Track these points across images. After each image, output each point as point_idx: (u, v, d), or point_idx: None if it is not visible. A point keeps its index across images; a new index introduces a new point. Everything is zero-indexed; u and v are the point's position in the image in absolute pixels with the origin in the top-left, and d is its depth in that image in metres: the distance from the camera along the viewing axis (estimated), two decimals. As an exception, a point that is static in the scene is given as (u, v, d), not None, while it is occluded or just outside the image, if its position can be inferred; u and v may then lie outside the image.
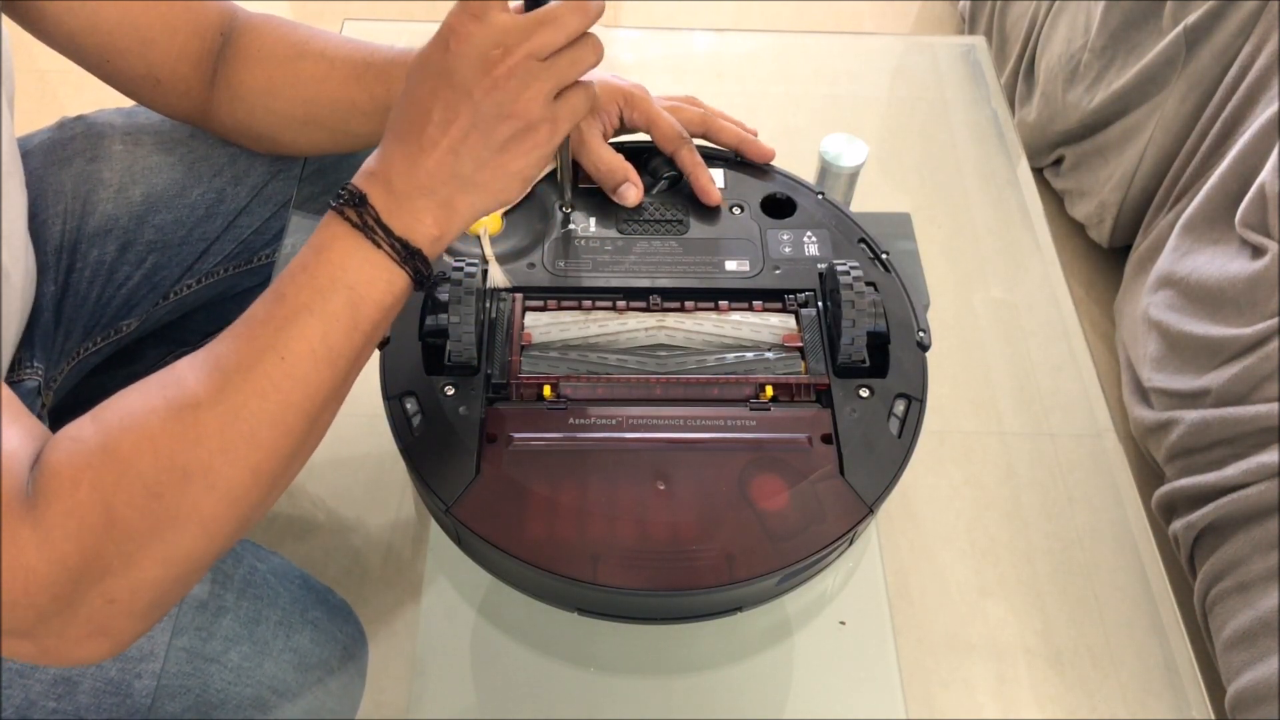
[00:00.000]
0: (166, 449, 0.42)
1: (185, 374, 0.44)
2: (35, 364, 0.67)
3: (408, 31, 0.91)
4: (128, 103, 0.71)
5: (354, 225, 0.45)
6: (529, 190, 0.66)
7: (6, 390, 0.43)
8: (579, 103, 0.48)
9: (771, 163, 0.71)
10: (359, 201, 0.46)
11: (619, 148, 0.71)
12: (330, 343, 0.45)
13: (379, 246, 0.46)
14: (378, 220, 0.46)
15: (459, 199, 0.47)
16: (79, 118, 0.75)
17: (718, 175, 0.70)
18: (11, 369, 0.65)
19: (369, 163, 0.47)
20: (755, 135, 0.71)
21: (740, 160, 0.71)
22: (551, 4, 0.45)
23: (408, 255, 0.46)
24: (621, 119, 0.68)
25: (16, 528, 0.40)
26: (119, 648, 0.44)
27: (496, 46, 0.44)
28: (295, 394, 0.44)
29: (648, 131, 0.68)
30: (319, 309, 0.45)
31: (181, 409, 0.43)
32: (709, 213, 0.68)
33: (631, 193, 0.66)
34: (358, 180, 0.47)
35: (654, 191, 0.69)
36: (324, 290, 0.45)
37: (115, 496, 0.41)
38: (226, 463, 0.43)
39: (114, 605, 0.42)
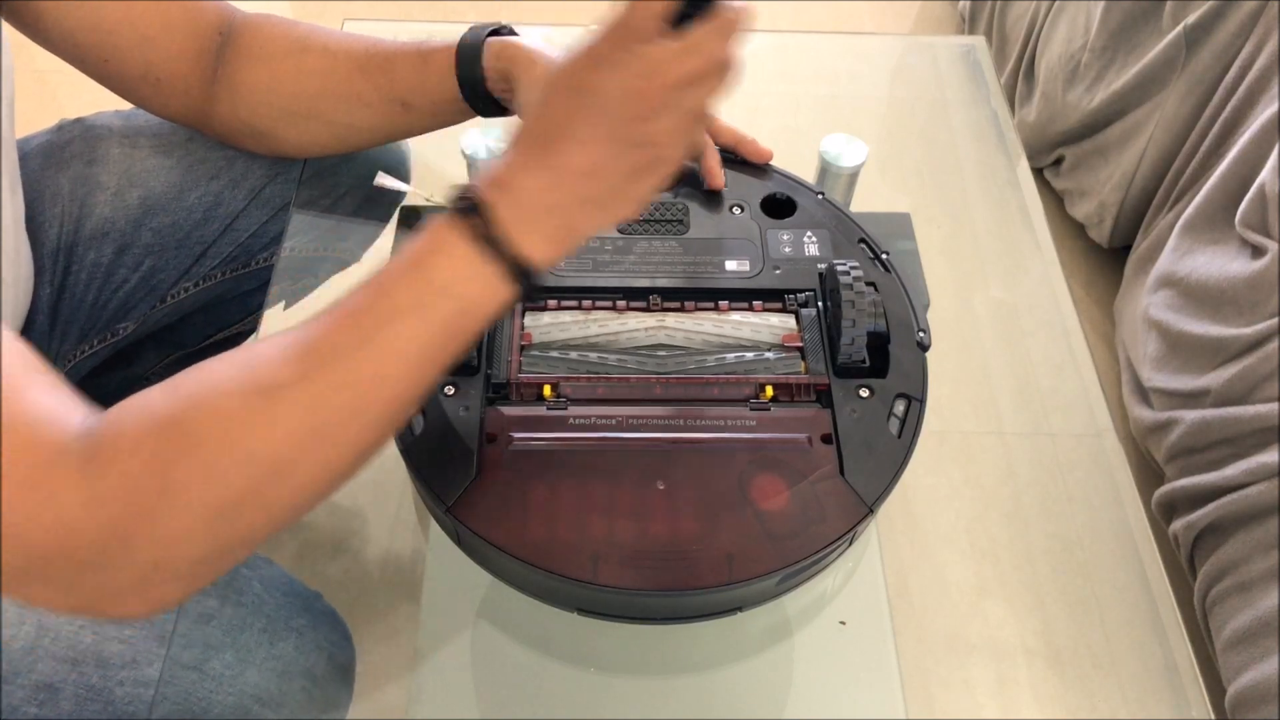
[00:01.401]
0: (237, 430, 0.41)
1: (270, 353, 0.43)
2: None
3: (407, 31, 0.90)
4: (126, 105, 0.71)
5: (473, 235, 0.44)
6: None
7: (37, 357, 0.43)
8: (700, 132, 0.48)
9: (771, 163, 0.71)
10: (481, 211, 0.44)
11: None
12: (426, 347, 0.44)
13: (496, 260, 0.44)
14: (499, 235, 0.44)
15: (581, 220, 0.46)
16: (77, 120, 0.74)
17: (717, 175, 0.70)
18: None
19: (494, 171, 0.45)
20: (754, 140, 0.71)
21: (739, 160, 0.71)
22: (695, 32, 0.43)
23: (521, 273, 0.44)
24: None
25: (61, 478, 0.39)
26: (159, 609, 0.43)
27: (644, 77, 0.43)
28: (381, 392, 0.43)
29: None
30: (423, 312, 0.43)
31: (260, 391, 0.41)
32: (709, 213, 0.68)
33: (718, 177, 0.66)
34: (481, 188, 0.44)
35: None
36: (431, 295, 0.43)
37: (175, 469, 0.40)
38: (297, 452, 0.42)
39: (158, 570, 0.41)
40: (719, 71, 0.45)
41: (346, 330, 0.43)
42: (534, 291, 0.47)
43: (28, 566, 0.40)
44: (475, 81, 0.64)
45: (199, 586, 0.43)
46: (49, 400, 0.41)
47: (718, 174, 0.67)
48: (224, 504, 0.41)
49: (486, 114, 0.67)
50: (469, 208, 0.44)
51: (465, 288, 0.44)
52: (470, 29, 0.65)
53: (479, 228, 0.44)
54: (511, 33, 0.66)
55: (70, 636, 0.54)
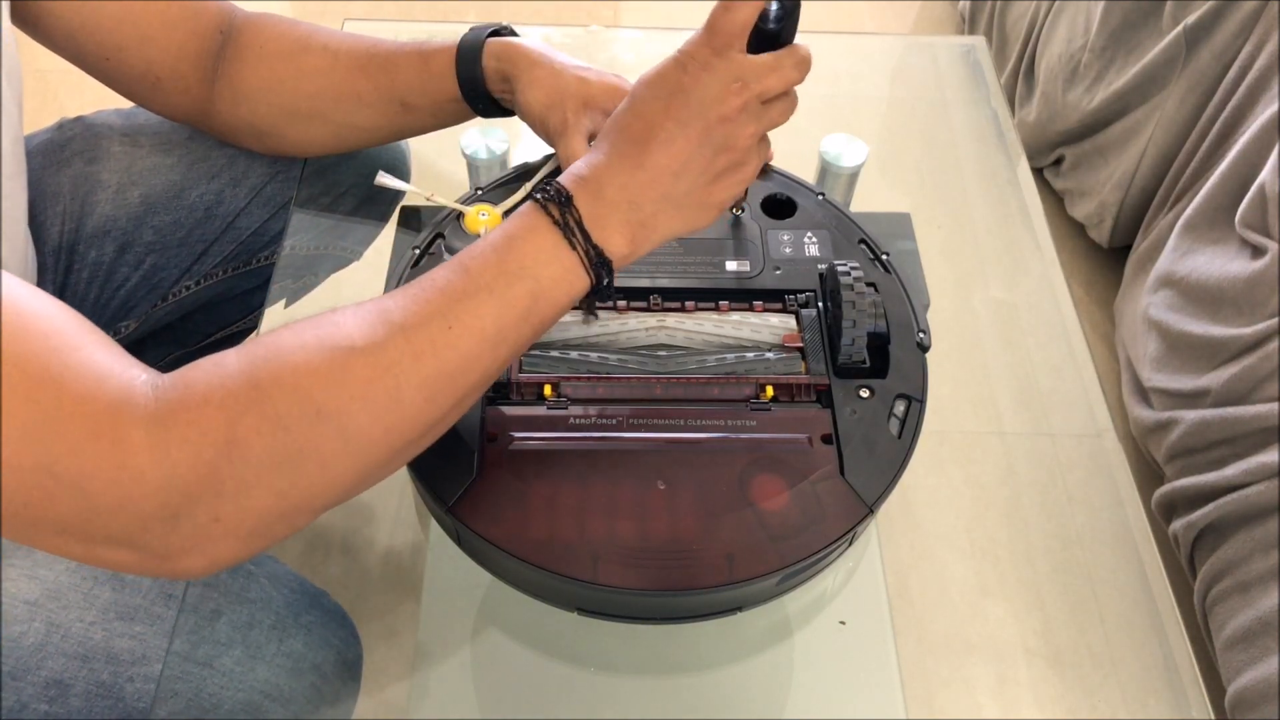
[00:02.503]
0: (307, 384, 0.41)
1: (346, 319, 0.43)
2: None
3: (407, 31, 0.91)
4: (127, 104, 0.71)
5: (554, 222, 0.46)
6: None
7: (88, 322, 0.43)
8: (768, 146, 0.51)
9: (771, 163, 0.71)
10: (565, 200, 0.46)
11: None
12: (500, 326, 0.45)
13: (574, 249, 0.46)
14: (579, 223, 0.46)
15: (660, 220, 0.48)
16: (77, 119, 0.74)
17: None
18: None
19: (579, 166, 0.47)
20: None
21: None
22: (779, 53, 0.48)
23: (598, 263, 0.46)
24: None
25: (127, 433, 0.39)
26: (216, 566, 0.43)
27: (735, 81, 0.46)
28: (451, 365, 0.44)
29: None
30: (500, 291, 0.45)
31: (333, 349, 0.42)
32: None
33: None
34: (566, 180, 0.47)
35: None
36: (509, 275, 0.45)
37: (243, 420, 0.40)
38: (364, 412, 0.42)
39: (219, 524, 0.41)
40: (792, 98, 0.50)
41: (426, 302, 0.44)
42: (608, 287, 0.48)
43: (91, 519, 0.40)
44: (475, 82, 0.64)
45: (256, 548, 0.43)
46: (107, 357, 0.41)
47: None
48: (286, 454, 0.41)
49: (487, 114, 0.67)
50: (555, 197, 0.46)
51: (543, 270, 0.45)
52: (470, 29, 0.65)
53: (561, 216, 0.46)
54: (512, 33, 0.67)
55: (81, 633, 0.54)
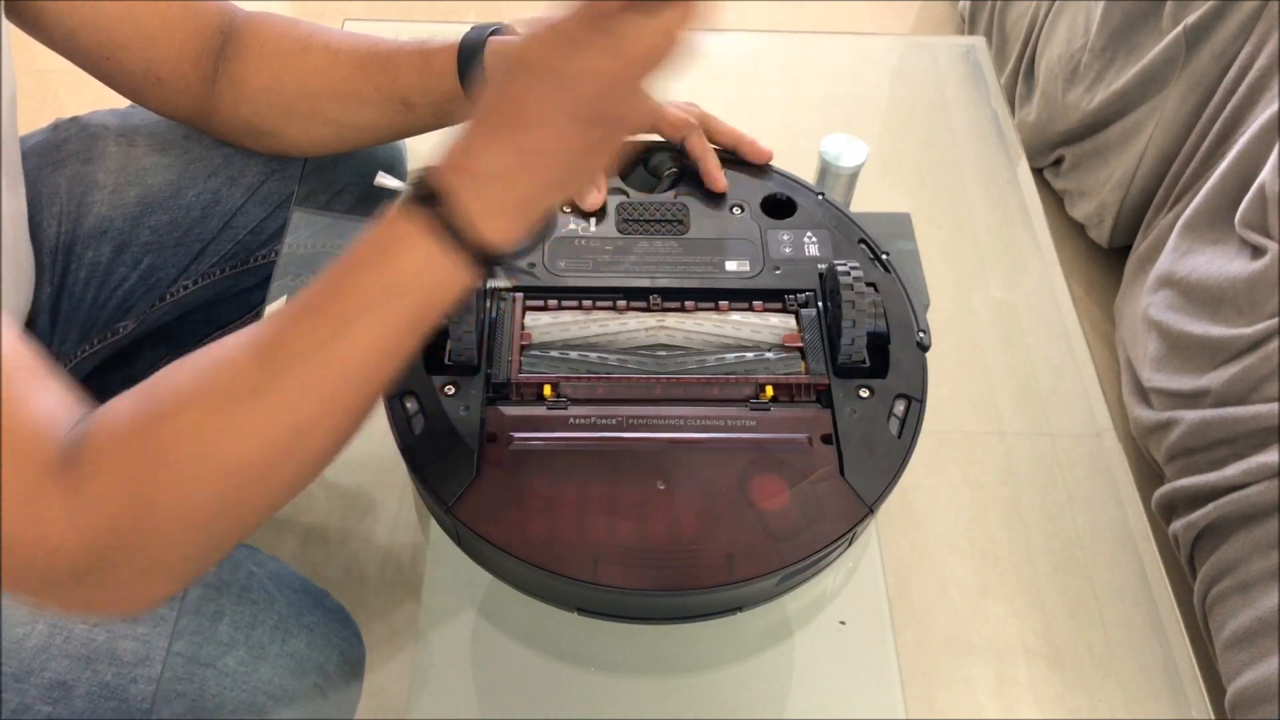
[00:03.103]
0: (210, 440, 0.41)
1: (236, 357, 0.43)
2: None
3: (408, 31, 0.90)
4: (124, 104, 0.71)
5: (431, 224, 0.43)
6: None
7: (40, 356, 0.43)
8: (647, 104, 0.48)
9: (771, 163, 0.71)
10: (439, 200, 0.43)
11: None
12: (389, 343, 0.44)
13: (457, 249, 0.43)
14: (459, 222, 0.43)
15: (542, 198, 0.46)
16: (73, 119, 0.74)
17: (717, 175, 0.70)
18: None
19: (451, 156, 0.44)
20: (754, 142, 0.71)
21: (739, 161, 0.71)
22: (655, 9, 0.43)
23: (484, 258, 0.44)
24: None
25: (47, 495, 0.39)
26: (152, 606, 0.44)
27: (605, 54, 0.43)
28: (346, 391, 0.43)
29: (654, 126, 0.67)
30: (384, 310, 0.43)
31: (229, 399, 0.42)
32: (709, 213, 0.68)
33: (592, 196, 0.66)
34: (439, 173, 0.44)
35: (656, 191, 0.69)
36: (391, 291, 0.43)
37: (153, 483, 0.40)
38: (270, 455, 0.42)
39: (146, 574, 0.42)
40: (678, 52, 0.45)
41: (309, 331, 0.43)
42: (495, 272, 0.46)
43: (24, 575, 0.41)
44: (478, 81, 0.64)
45: (185, 585, 0.45)
46: (46, 406, 0.41)
47: (719, 178, 0.67)
48: (201, 512, 0.42)
49: None
50: (428, 196, 0.43)
51: (426, 279, 0.43)
52: (472, 28, 0.65)
53: (440, 217, 0.43)
54: (514, 33, 0.66)
55: (84, 634, 0.54)
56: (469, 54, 0.64)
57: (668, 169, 0.68)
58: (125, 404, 0.42)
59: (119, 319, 0.75)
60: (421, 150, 0.83)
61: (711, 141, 0.70)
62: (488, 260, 0.44)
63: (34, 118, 0.79)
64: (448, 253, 0.43)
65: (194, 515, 0.41)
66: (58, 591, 0.42)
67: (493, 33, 0.65)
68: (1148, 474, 1.09)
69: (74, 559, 0.40)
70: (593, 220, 0.67)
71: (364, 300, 0.43)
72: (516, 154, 0.44)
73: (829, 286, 0.62)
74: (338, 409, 0.43)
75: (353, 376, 0.43)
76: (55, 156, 0.72)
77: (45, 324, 0.69)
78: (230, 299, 0.83)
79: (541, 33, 0.44)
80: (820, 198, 0.69)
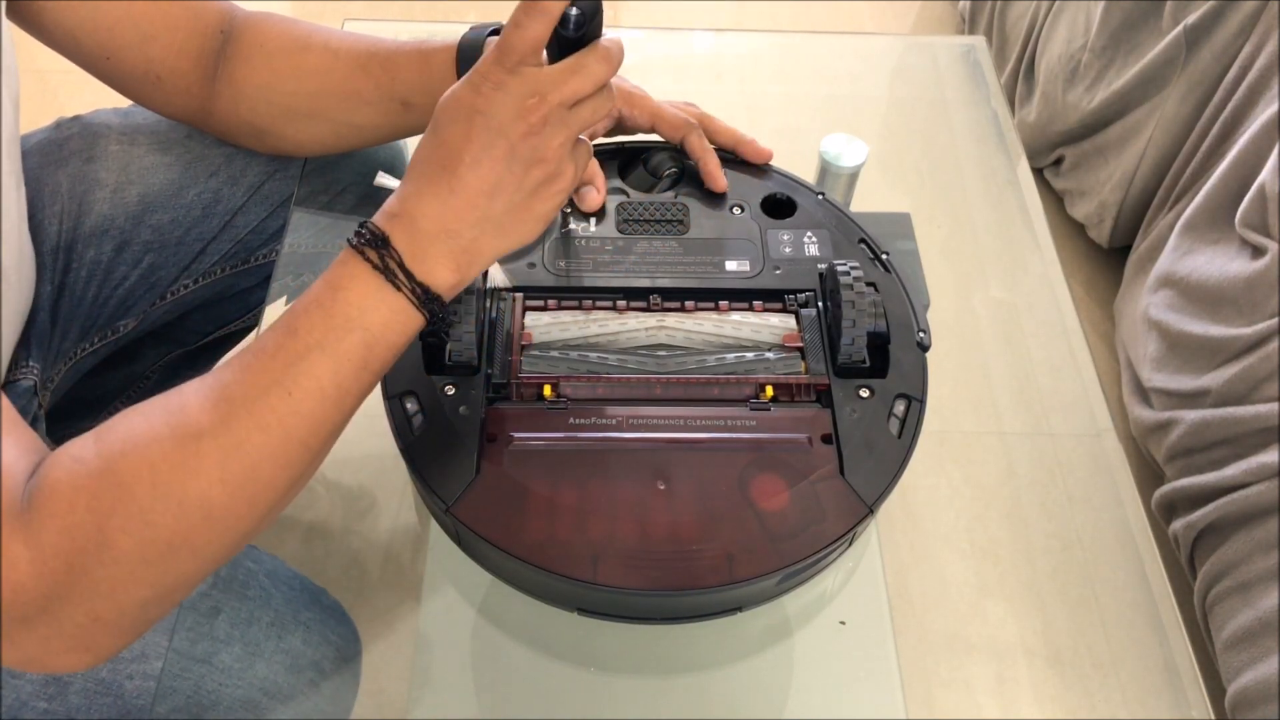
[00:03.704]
0: (165, 478, 0.42)
1: (190, 400, 0.44)
2: (31, 364, 0.67)
3: (407, 31, 0.91)
4: (125, 103, 0.71)
5: (375, 267, 0.45)
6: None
7: (5, 401, 0.43)
8: (588, 149, 0.51)
9: (771, 163, 0.71)
10: (381, 243, 0.45)
11: (619, 148, 0.71)
12: (339, 381, 0.45)
13: (399, 290, 0.45)
14: (400, 264, 0.45)
15: (484, 242, 0.47)
16: (75, 118, 0.74)
17: (718, 175, 0.70)
18: (8, 369, 0.65)
19: (391, 203, 0.47)
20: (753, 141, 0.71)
21: (738, 160, 0.71)
22: (580, 54, 0.47)
23: (427, 300, 0.46)
24: (622, 121, 0.68)
25: (9, 540, 0.40)
26: (99, 660, 0.44)
27: (533, 95, 0.45)
28: (299, 430, 0.44)
29: (653, 126, 0.68)
30: (331, 348, 0.45)
31: (184, 439, 0.43)
32: (709, 213, 0.68)
33: (591, 196, 0.66)
34: (380, 220, 0.46)
35: (656, 191, 0.69)
36: (338, 330, 0.45)
37: (110, 521, 0.41)
38: (225, 494, 0.43)
39: (99, 622, 0.42)
40: (604, 96, 0.48)
41: (260, 372, 0.44)
42: (444, 316, 0.48)
43: None
44: None
45: (135, 636, 0.45)
46: (10, 454, 0.42)
47: (719, 177, 0.68)
48: (157, 551, 0.42)
49: None
50: (371, 240, 0.45)
51: (372, 318, 0.45)
52: (471, 28, 0.65)
53: (380, 259, 0.45)
54: None
55: None
56: (468, 54, 0.64)
57: (668, 169, 0.68)
58: (83, 446, 0.43)
59: (120, 317, 0.75)
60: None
61: (711, 141, 0.70)
62: (432, 302, 0.46)
63: (34, 118, 0.79)
64: (390, 293, 0.45)
65: (151, 552, 0.42)
66: (12, 636, 0.42)
67: (492, 33, 0.65)
68: (1148, 474, 1.09)
69: (33, 598, 0.40)
70: (593, 220, 0.67)
71: (310, 340, 0.45)
72: (452, 196, 0.46)
73: (829, 286, 0.62)
74: (290, 446, 0.44)
75: (303, 414, 0.44)
76: (57, 155, 0.72)
77: (45, 322, 0.69)
78: (231, 298, 0.83)
79: (472, 77, 0.46)
80: (820, 197, 0.69)
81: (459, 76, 0.64)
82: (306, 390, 0.44)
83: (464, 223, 0.46)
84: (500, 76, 0.45)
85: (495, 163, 0.46)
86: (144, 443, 0.42)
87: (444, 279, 0.47)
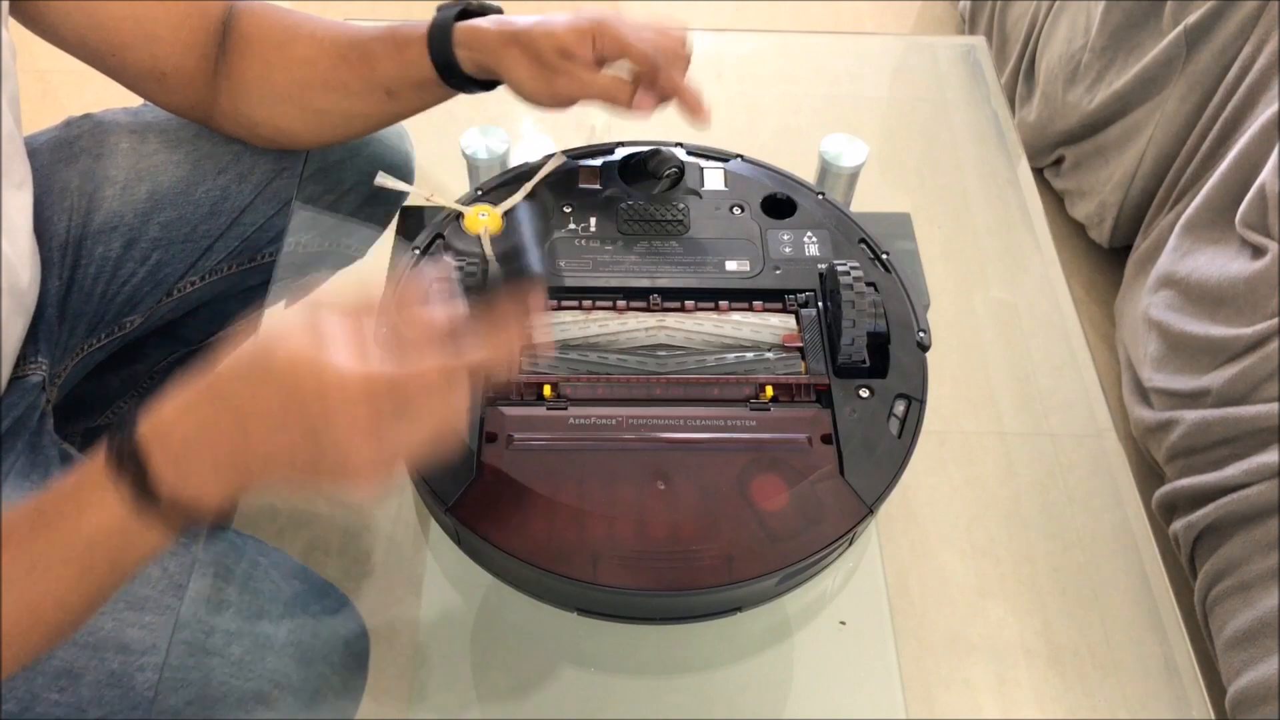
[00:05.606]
0: None
1: None
2: (40, 359, 0.67)
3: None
4: (134, 101, 0.71)
5: (122, 485, 0.41)
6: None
7: None
8: (399, 464, 0.44)
9: (771, 163, 0.71)
10: (137, 457, 0.41)
11: (622, 153, 0.71)
12: (80, 591, 0.43)
13: (146, 510, 0.41)
14: (154, 489, 0.41)
15: (256, 462, 0.42)
16: (85, 116, 0.75)
17: (717, 176, 0.70)
18: (16, 364, 0.65)
19: (149, 416, 0.42)
20: (708, 113, 0.64)
21: (738, 159, 0.71)
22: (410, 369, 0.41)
23: (180, 517, 0.42)
24: (599, 55, 0.63)
25: None
26: None
27: (365, 399, 0.40)
28: (35, 635, 0.43)
29: (623, 55, 0.62)
30: (76, 563, 0.42)
31: None
32: (709, 213, 0.68)
33: (647, 100, 0.62)
34: (142, 431, 0.41)
35: (655, 190, 0.69)
36: (84, 547, 0.42)
37: None
38: None
39: None
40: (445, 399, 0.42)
41: (5, 564, 0.41)
42: (207, 523, 0.46)
43: None
44: (452, 69, 0.64)
45: None
46: None
47: (699, 110, 0.63)
48: None
49: (472, 93, 0.67)
50: (128, 452, 0.41)
51: (120, 540, 0.42)
52: (439, 9, 0.64)
53: (135, 477, 0.41)
54: (481, 12, 0.65)
55: (91, 623, 0.54)
56: (438, 43, 0.63)
57: (668, 169, 0.69)
58: None
59: (126, 314, 0.75)
60: (422, 150, 0.83)
61: (623, 53, 0.62)
62: (187, 517, 0.42)
63: (34, 117, 0.79)
64: (139, 514, 0.41)
65: None
66: None
67: (459, 14, 0.64)
68: (1148, 474, 1.09)
69: None
70: (593, 220, 0.67)
71: (55, 553, 0.42)
72: (215, 415, 0.42)
73: (829, 286, 0.62)
74: (19, 642, 0.42)
75: (40, 622, 0.43)
76: (68, 152, 0.72)
77: (53, 318, 0.70)
78: (236, 296, 0.83)
79: (311, 364, 0.41)
80: (820, 197, 0.69)
81: (435, 65, 0.64)
82: (45, 597, 0.42)
83: (227, 441, 0.41)
84: (342, 378, 0.40)
85: (291, 441, 0.41)
86: None
87: (200, 497, 0.42)
